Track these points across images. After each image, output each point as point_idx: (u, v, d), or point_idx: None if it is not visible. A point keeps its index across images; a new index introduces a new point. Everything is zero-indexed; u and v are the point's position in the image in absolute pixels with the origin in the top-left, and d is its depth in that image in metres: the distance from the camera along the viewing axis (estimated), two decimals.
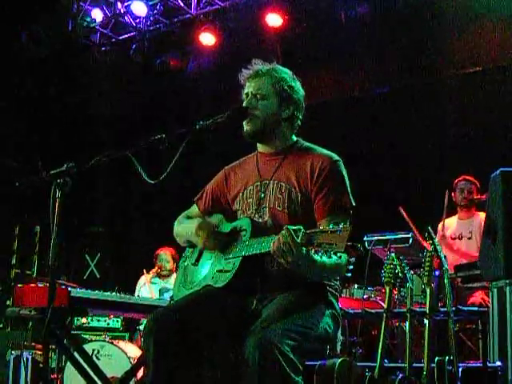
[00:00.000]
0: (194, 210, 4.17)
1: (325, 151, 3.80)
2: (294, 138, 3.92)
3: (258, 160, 3.94)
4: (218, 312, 3.60)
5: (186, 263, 4.07)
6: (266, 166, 3.87)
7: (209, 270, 3.83)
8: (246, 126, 3.81)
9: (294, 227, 3.22)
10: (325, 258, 3.36)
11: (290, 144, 3.88)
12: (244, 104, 3.81)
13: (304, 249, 3.21)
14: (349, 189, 3.70)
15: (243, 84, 3.91)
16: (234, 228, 3.80)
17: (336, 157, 3.76)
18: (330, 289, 3.75)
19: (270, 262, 3.63)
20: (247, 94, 3.84)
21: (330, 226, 3.13)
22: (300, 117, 3.89)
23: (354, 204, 3.67)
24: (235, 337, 3.39)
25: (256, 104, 3.79)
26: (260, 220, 3.73)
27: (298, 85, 3.89)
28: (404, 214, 7.29)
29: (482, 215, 7.22)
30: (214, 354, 3.69)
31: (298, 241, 3.17)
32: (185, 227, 4.01)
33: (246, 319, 3.48)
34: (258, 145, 3.97)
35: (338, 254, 3.24)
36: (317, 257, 3.31)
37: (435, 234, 4.90)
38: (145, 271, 8.85)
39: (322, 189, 3.64)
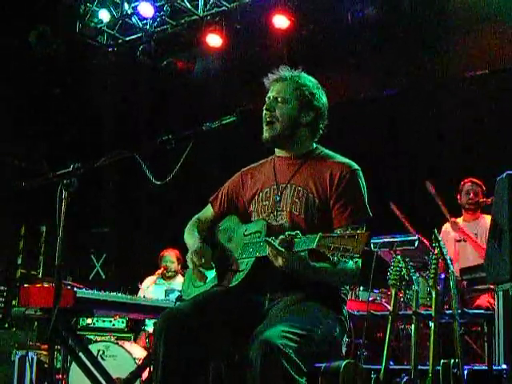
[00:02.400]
0: (209, 210, 4.17)
1: (344, 159, 3.82)
2: (314, 144, 3.93)
3: (275, 163, 3.96)
4: (227, 313, 3.61)
5: None
6: (284, 170, 3.88)
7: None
8: (265, 132, 3.84)
9: (291, 232, 3.32)
10: (327, 265, 3.43)
11: (308, 150, 3.89)
12: (264, 107, 3.83)
13: (302, 254, 3.30)
14: (366, 198, 3.73)
15: (268, 88, 3.92)
16: (248, 230, 3.81)
17: (355, 165, 3.78)
18: (339, 293, 3.77)
19: None
20: (269, 98, 3.86)
21: (348, 231, 3.17)
22: (321, 125, 3.90)
23: (370, 214, 3.70)
24: (243, 337, 3.40)
25: (276, 107, 3.81)
26: (274, 223, 3.75)
27: (320, 93, 3.90)
28: (396, 210, 7.31)
29: (488, 218, 7.19)
30: (221, 355, 3.70)
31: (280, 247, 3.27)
32: (189, 241, 4.02)
33: (255, 320, 3.48)
34: (276, 149, 3.98)
35: (354, 260, 3.34)
36: (317, 263, 3.40)
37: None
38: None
39: (340, 197, 3.67)
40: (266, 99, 3.88)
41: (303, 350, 3.26)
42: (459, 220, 7.63)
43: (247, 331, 3.37)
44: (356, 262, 3.52)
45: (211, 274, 3.89)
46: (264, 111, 3.84)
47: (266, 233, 3.64)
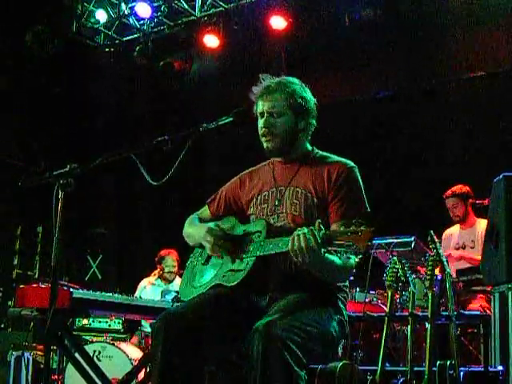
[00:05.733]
0: (206, 211, 4.17)
1: (340, 158, 3.84)
2: (309, 146, 3.93)
3: (274, 167, 3.96)
4: (227, 313, 3.62)
5: (194, 263, 4.07)
6: (282, 174, 3.89)
7: (220, 269, 3.84)
8: (266, 144, 3.83)
9: (315, 227, 3.27)
10: (335, 258, 3.43)
11: (305, 152, 3.89)
12: (261, 124, 3.80)
13: (322, 250, 3.26)
14: (364, 195, 3.73)
15: (254, 102, 3.89)
16: (247, 230, 3.81)
17: (352, 163, 3.79)
18: (340, 295, 3.78)
19: (283, 262, 3.65)
20: (262, 114, 3.82)
21: (351, 228, 3.16)
22: (314, 123, 3.90)
23: (368, 210, 3.70)
24: (241, 339, 3.39)
25: (274, 122, 3.79)
26: (274, 225, 3.74)
27: (308, 93, 3.89)
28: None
29: (483, 222, 7.19)
30: (220, 355, 3.70)
31: (319, 241, 3.23)
32: (195, 230, 4.01)
33: (255, 320, 3.47)
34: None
35: (346, 256, 3.27)
36: (330, 257, 3.40)
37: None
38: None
39: (337, 194, 3.67)
40: (258, 114, 3.85)
41: (304, 344, 3.27)
42: (456, 227, 7.61)
43: (246, 332, 3.36)
44: (349, 257, 3.48)
45: (211, 274, 3.89)
46: (262, 128, 3.81)
47: (266, 232, 3.64)
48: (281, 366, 3.14)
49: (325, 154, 3.92)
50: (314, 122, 3.90)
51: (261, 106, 3.83)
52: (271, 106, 3.79)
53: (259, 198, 3.90)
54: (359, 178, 3.76)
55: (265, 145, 3.83)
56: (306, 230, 3.28)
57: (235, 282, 3.64)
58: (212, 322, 3.55)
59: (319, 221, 3.30)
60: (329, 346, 3.64)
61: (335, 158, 3.85)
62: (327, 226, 3.53)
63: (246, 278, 3.61)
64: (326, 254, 3.35)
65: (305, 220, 3.67)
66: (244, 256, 3.70)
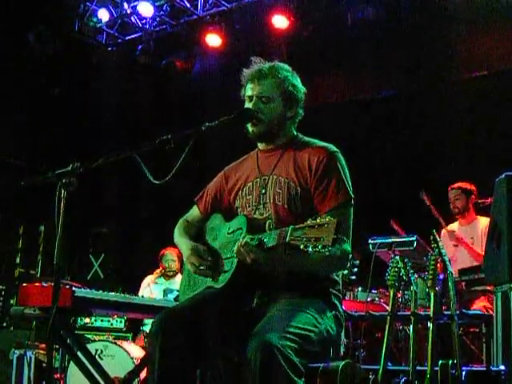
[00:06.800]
0: (195, 211, 4.16)
1: (322, 143, 3.78)
2: (294, 132, 3.90)
3: (258, 157, 3.93)
4: (221, 313, 3.60)
5: None
6: (266, 162, 3.86)
7: None
8: (251, 128, 3.79)
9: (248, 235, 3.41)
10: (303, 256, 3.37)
11: (290, 139, 3.86)
12: (251, 107, 3.77)
13: (262, 251, 3.36)
14: (347, 180, 3.66)
15: (244, 85, 3.87)
16: (232, 227, 3.80)
17: (333, 148, 3.73)
18: (333, 290, 3.74)
19: None
20: (251, 97, 3.80)
21: (317, 220, 3.13)
22: (301, 112, 3.88)
23: (352, 195, 3.64)
24: (239, 337, 3.39)
25: (262, 107, 3.75)
26: (260, 216, 3.73)
27: (299, 82, 3.86)
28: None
29: (483, 220, 7.20)
30: (217, 355, 3.70)
31: (252, 243, 3.37)
32: (180, 245, 4.02)
33: (250, 319, 3.47)
34: (258, 143, 3.96)
35: (316, 250, 3.17)
36: (286, 257, 3.43)
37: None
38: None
39: (320, 183, 3.62)
40: (246, 98, 3.83)
41: (302, 351, 3.25)
42: (455, 224, 7.63)
43: (243, 332, 3.36)
44: (329, 250, 3.23)
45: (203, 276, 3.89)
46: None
47: (248, 228, 3.61)
48: (279, 377, 3.11)
49: (308, 139, 3.87)
50: (302, 111, 3.87)
51: (250, 90, 3.80)
52: (262, 91, 3.76)
53: (244, 189, 3.88)
54: (341, 162, 3.70)
55: (250, 129, 3.80)
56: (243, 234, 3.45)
57: (223, 283, 3.63)
58: (209, 321, 3.54)
59: (269, 221, 3.44)
60: (327, 346, 3.64)
61: (317, 143, 3.80)
62: (312, 216, 3.42)
63: (233, 278, 3.59)
64: (284, 255, 3.40)
65: (288, 209, 3.65)
66: (228, 255, 3.69)
